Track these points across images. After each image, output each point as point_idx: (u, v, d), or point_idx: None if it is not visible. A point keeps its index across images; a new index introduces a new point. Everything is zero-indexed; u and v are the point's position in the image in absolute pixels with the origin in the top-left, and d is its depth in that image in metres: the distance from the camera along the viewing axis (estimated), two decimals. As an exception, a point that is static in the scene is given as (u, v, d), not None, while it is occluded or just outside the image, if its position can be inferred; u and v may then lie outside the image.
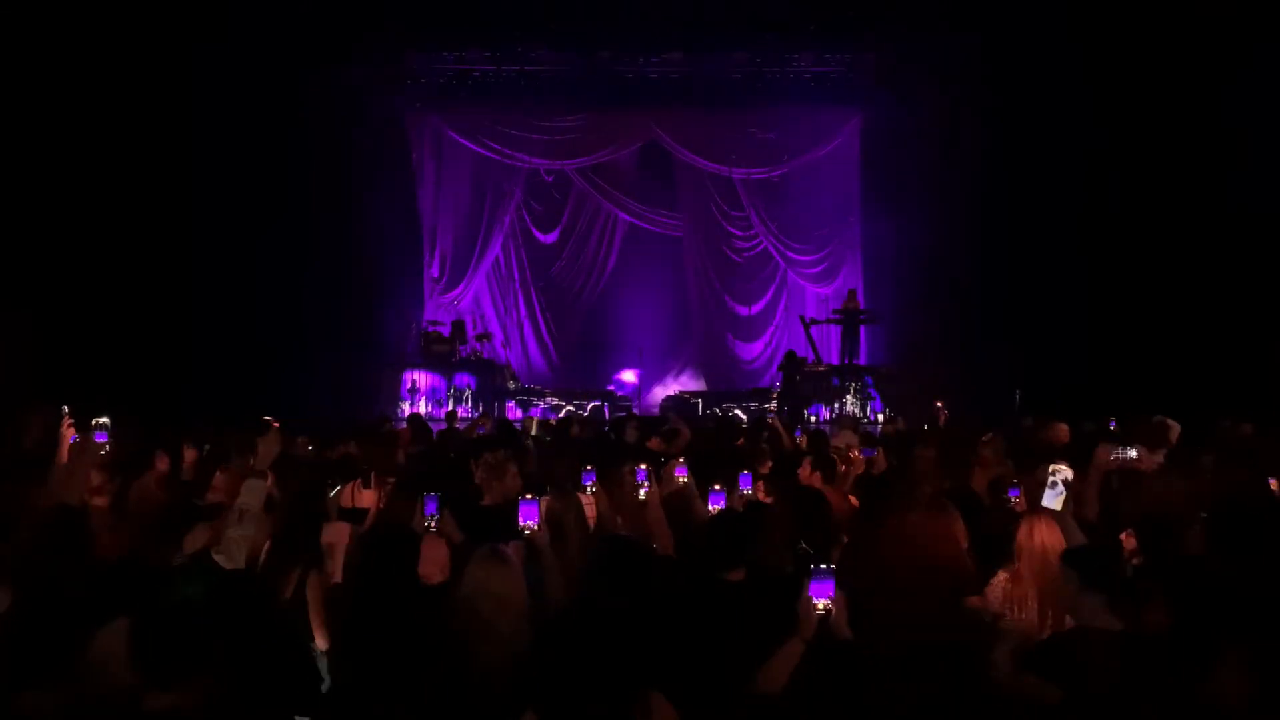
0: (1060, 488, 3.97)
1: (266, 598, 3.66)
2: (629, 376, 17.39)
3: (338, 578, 4.39)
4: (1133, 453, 5.03)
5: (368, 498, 5.80)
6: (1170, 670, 3.09)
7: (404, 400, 15.72)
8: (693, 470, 5.20)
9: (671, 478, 5.23)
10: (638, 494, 4.79)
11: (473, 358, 16.54)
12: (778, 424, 9.20)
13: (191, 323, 11.77)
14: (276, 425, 6.56)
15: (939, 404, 10.01)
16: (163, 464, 6.07)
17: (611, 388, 17.40)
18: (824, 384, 15.82)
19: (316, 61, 13.50)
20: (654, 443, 7.69)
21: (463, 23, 14.71)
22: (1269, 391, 10.38)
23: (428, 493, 4.43)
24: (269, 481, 4.95)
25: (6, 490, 4.80)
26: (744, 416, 14.82)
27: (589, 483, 4.95)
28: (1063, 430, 8.34)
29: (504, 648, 3.24)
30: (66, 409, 4.94)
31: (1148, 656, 3.13)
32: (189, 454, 6.33)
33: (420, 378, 15.96)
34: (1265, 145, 11.16)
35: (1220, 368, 11.19)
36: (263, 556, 4.11)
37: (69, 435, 4.81)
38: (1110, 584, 3.25)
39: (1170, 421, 6.10)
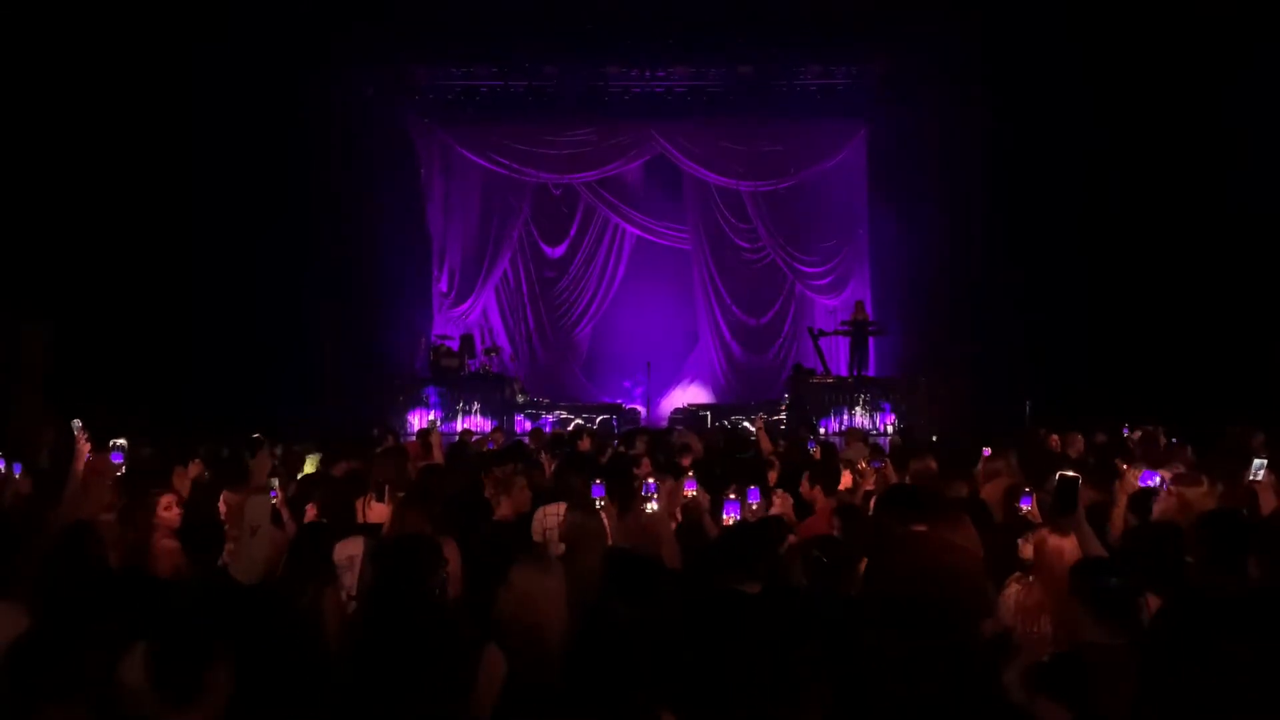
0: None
1: (283, 611, 3.67)
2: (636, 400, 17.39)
3: (353, 592, 4.40)
4: (1157, 478, 5.01)
5: (380, 511, 5.81)
6: (1169, 678, 3.07)
7: (412, 414, 15.72)
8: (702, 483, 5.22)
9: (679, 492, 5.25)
10: (645, 507, 4.80)
11: (482, 371, 16.56)
12: (761, 429, 9.20)
13: (198, 335, 11.83)
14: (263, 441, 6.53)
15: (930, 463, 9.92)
16: (180, 482, 6.10)
17: (620, 399, 17.41)
18: (832, 396, 15.80)
19: (324, 78, 13.61)
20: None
21: (470, 38, 14.79)
22: (1270, 393, 10.34)
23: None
24: (278, 498, 4.99)
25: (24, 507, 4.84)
26: (752, 429, 14.78)
27: (597, 496, 4.96)
28: (1077, 440, 8.32)
29: (553, 648, 3.26)
30: (79, 423, 4.96)
31: (1148, 668, 3.12)
32: (194, 469, 6.35)
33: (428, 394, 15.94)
34: (1265, 145, 11.17)
35: (1222, 369, 11.17)
36: (279, 570, 4.12)
37: (85, 450, 4.84)
38: (1113, 597, 3.23)
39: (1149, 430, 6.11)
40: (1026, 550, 4.52)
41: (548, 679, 3.15)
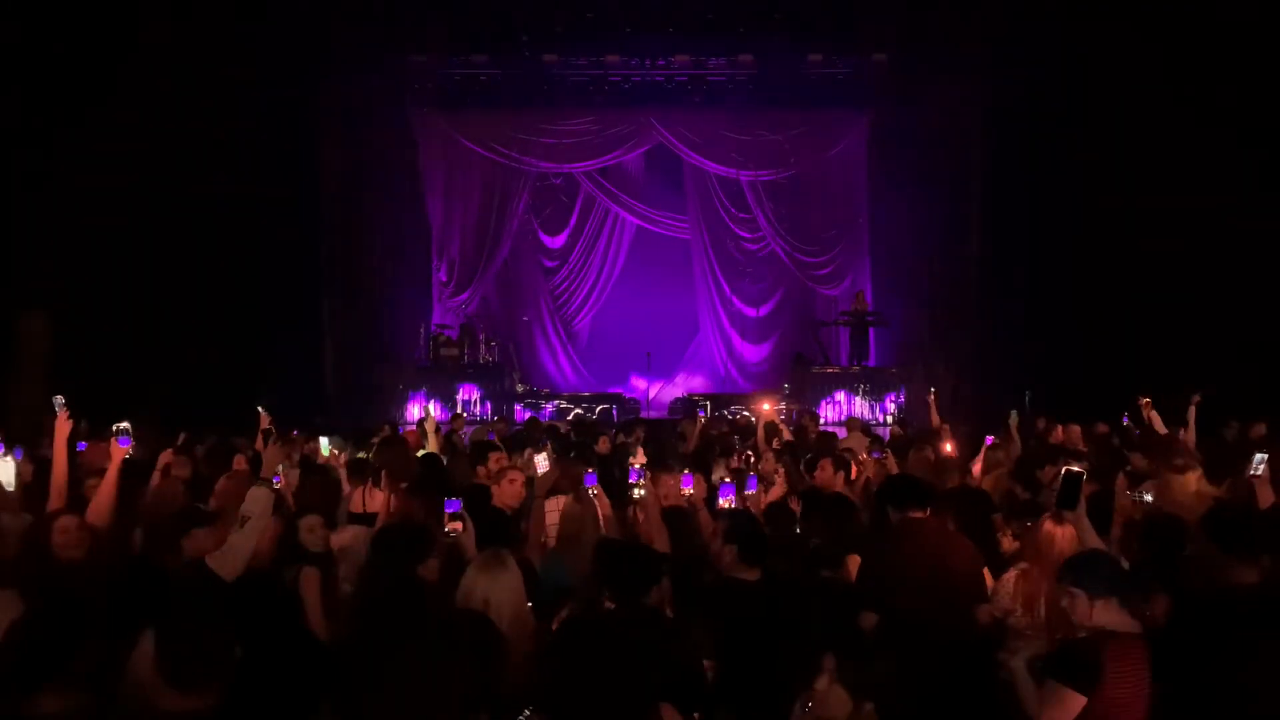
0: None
1: (277, 596, 3.67)
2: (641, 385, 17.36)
3: (349, 581, 4.39)
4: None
5: (378, 500, 5.80)
6: (1181, 665, 3.09)
7: (412, 403, 15.71)
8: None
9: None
10: (632, 493, 4.79)
11: (482, 361, 16.55)
12: (775, 418, 9.15)
13: (198, 326, 11.83)
14: (273, 433, 6.53)
15: (931, 396, 9.95)
16: (179, 469, 6.11)
17: (620, 389, 17.39)
18: (832, 386, 15.80)
19: (324, 67, 13.57)
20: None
21: (470, 27, 14.75)
22: (1273, 383, 10.35)
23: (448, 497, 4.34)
24: (281, 483, 4.99)
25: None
26: (752, 418, 14.78)
27: (591, 485, 4.96)
28: (1075, 432, 8.32)
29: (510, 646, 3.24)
30: (61, 399, 4.92)
31: (1164, 655, 3.13)
32: (165, 458, 6.32)
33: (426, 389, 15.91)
34: (1264, 142, 11.18)
35: (1222, 360, 11.19)
36: (266, 558, 4.12)
37: (66, 428, 4.81)
38: (1120, 587, 3.22)
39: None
40: (1006, 544, 4.52)
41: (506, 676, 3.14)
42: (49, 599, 3.19)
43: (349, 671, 3.18)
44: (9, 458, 4.23)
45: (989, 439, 7.45)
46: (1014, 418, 8.37)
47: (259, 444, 6.36)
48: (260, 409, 6.70)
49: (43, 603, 3.07)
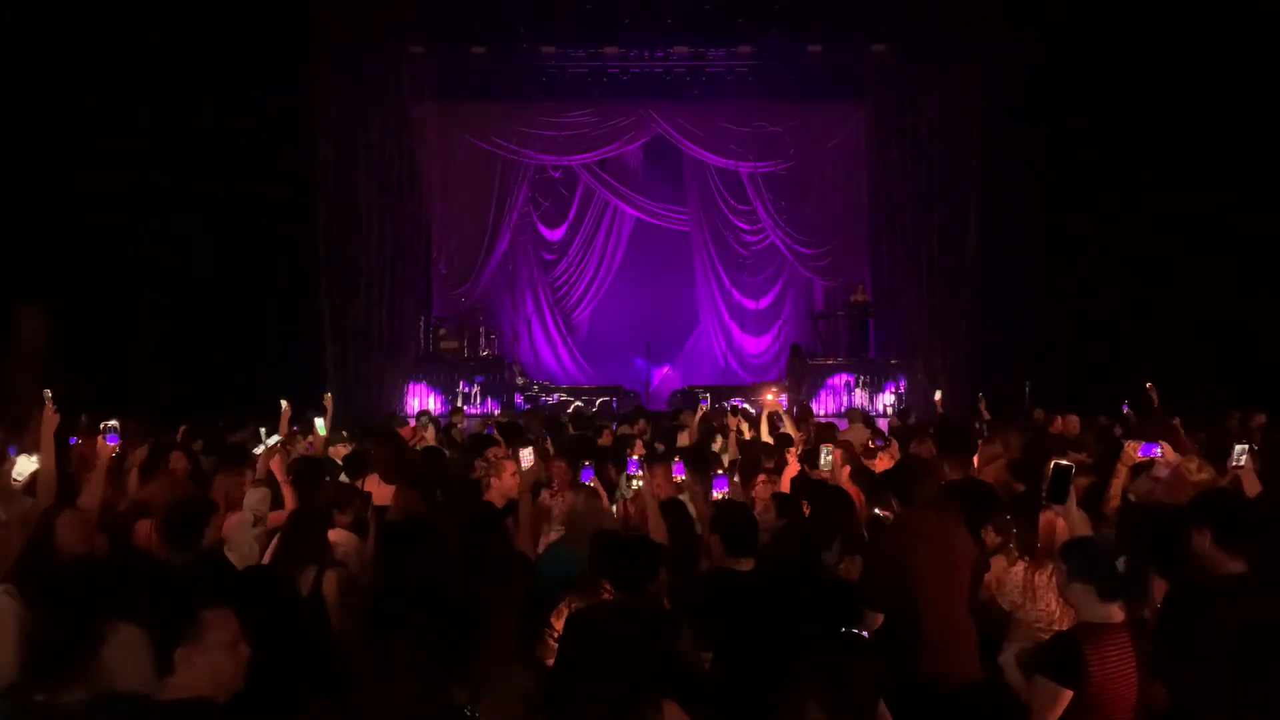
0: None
1: (283, 591, 3.67)
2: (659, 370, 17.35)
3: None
4: (1157, 450, 4.93)
5: (380, 494, 5.79)
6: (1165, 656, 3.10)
7: (411, 396, 15.72)
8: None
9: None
10: (630, 484, 4.78)
11: (482, 353, 16.55)
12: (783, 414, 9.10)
13: (198, 321, 11.82)
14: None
15: (937, 397, 9.99)
16: (178, 463, 6.10)
17: (620, 381, 17.40)
18: (831, 377, 15.81)
19: (322, 57, 13.54)
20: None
21: (469, 18, 14.72)
22: (1269, 386, 10.37)
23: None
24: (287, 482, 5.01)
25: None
26: (752, 410, 14.76)
27: (588, 479, 4.95)
28: (1074, 422, 8.31)
29: None
30: (49, 393, 4.91)
31: (1150, 645, 3.14)
32: (141, 454, 6.31)
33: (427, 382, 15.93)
34: (1262, 139, 11.19)
35: (1222, 350, 11.22)
36: (270, 554, 4.13)
37: (54, 421, 4.80)
38: (1104, 576, 3.22)
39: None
40: (989, 537, 4.50)
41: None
42: (59, 594, 3.18)
43: (350, 665, 3.17)
44: (32, 457, 4.27)
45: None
46: (981, 400, 8.48)
47: (283, 430, 6.45)
48: (283, 402, 6.78)
49: (54, 599, 3.07)
